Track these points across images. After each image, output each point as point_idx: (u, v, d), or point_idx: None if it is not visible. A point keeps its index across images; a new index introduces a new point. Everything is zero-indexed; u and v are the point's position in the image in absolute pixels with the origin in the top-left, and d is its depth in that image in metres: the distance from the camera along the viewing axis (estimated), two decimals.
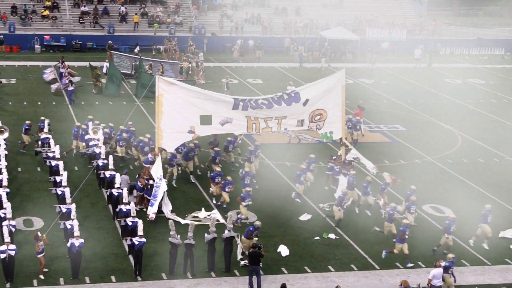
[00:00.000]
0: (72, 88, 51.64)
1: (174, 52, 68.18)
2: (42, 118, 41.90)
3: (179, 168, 37.50)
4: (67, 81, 52.79)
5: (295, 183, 35.88)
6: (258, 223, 29.65)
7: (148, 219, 30.81)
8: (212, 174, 35.26)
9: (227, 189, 33.92)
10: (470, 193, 37.59)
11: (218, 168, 35.49)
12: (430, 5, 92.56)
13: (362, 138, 44.13)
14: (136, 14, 75.64)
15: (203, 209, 33.79)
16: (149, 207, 32.17)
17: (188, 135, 35.44)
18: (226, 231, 28.72)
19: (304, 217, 33.56)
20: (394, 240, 29.84)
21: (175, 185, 36.26)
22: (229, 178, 34.12)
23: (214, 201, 34.63)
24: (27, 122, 41.16)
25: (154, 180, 33.05)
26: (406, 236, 29.31)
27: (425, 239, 31.81)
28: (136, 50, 67.51)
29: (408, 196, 33.26)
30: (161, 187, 32.70)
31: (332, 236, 31.78)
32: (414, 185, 34.25)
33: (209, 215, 32.77)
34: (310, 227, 32.53)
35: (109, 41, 69.33)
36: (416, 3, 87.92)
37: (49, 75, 56.94)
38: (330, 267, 29.08)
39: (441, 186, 37.96)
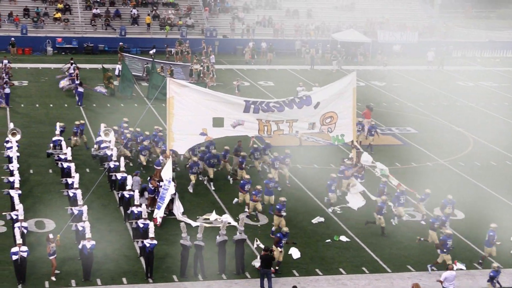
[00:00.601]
0: (81, 90, 51.73)
1: (186, 54, 68.27)
2: (81, 122, 41.90)
3: (205, 178, 37.27)
4: (77, 81, 53.00)
5: (327, 192, 35.02)
6: (285, 228, 29.12)
7: (155, 223, 30.59)
8: (241, 181, 34.77)
9: (254, 198, 33.31)
10: (482, 196, 37.46)
11: (247, 176, 34.91)
12: (442, 7, 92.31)
13: (374, 141, 43.92)
14: (148, 15, 75.80)
15: (214, 211, 33.79)
16: (156, 210, 32.19)
17: (200, 137, 35.45)
18: (237, 233, 28.71)
19: (317, 220, 33.49)
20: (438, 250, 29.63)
21: (191, 191, 36.06)
22: (258, 187, 33.46)
23: (247, 209, 33.88)
24: (76, 123, 41.34)
25: (168, 182, 32.99)
26: (447, 248, 28.83)
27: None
28: (151, 52, 67.51)
29: (445, 205, 32.90)
30: (169, 190, 32.67)
31: (343, 238, 31.73)
32: (428, 188, 34.15)
33: (219, 219, 32.76)
34: (322, 230, 32.48)
35: (120, 43, 69.50)
36: (427, 5, 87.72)
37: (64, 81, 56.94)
38: (341, 269, 29.03)
39: (452, 188, 37.80)
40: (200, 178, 37.57)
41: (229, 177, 37.69)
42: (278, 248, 28.47)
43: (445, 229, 30.63)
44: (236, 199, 34.87)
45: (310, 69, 68.08)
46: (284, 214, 31.64)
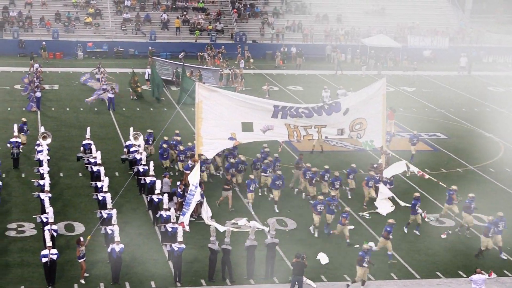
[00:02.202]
0: (112, 95, 51.93)
1: (217, 59, 68.40)
2: (150, 130, 41.46)
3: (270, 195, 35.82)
4: (105, 87, 53.15)
5: (411, 214, 33.35)
6: (366, 246, 27.89)
7: (183, 228, 30.41)
8: (314, 202, 32.93)
9: (343, 221, 31.59)
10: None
11: (321, 197, 32.95)
12: (472, 12, 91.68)
13: (403, 146, 43.71)
14: (177, 18, 76.11)
15: (245, 219, 33.70)
16: (181, 216, 32.18)
17: (229, 141, 35.46)
18: (269, 237, 28.67)
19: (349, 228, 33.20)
20: None
21: (252, 212, 34.79)
22: (347, 209, 32.06)
23: (316, 234, 32.43)
24: (149, 131, 41.16)
25: (195, 187, 32.99)
26: None
27: (466, 248, 31.52)
28: (180, 56, 67.82)
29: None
30: (195, 196, 32.64)
31: (372, 244, 31.54)
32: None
33: (248, 224, 32.69)
34: (350, 235, 32.28)
35: (150, 47, 69.87)
36: (458, 10, 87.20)
37: (95, 84, 56.98)
38: (370, 275, 28.83)
39: (482, 195, 37.50)
40: (266, 193, 36.41)
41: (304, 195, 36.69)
42: (365, 265, 27.54)
43: None
44: (312, 226, 32.93)
45: (339, 74, 67.67)
46: (391, 237, 30.24)
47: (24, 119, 42.78)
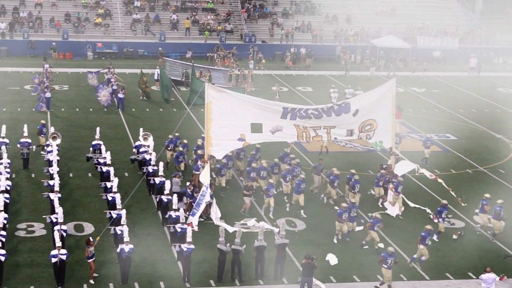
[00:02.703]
0: (122, 95, 51.95)
1: (227, 60, 68.44)
2: (172, 136, 40.41)
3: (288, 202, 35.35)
4: (115, 87, 53.14)
5: (436, 221, 32.94)
6: (391, 248, 27.87)
7: (192, 228, 30.35)
8: (339, 210, 32.13)
9: (376, 228, 31.14)
10: None
11: (344, 204, 32.25)
12: (483, 13, 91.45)
13: (413, 147, 43.64)
14: (187, 19, 76.17)
15: (254, 219, 33.67)
16: (190, 216, 32.22)
17: (238, 142, 35.44)
18: (279, 238, 28.67)
19: (358, 228, 33.11)
20: None
21: (272, 217, 34.31)
22: (378, 215, 31.71)
23: (335, 240, 31.89)
24: (170, 136, 40.31)
25: (206, 188, 32.97)
26: None
27: (475, 249, 31.45)
28: (188, 56, 67.84)
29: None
30: (205, 197, 32.67)
31: (381, 245, 31.49)
32: (465, 195, 33.77)
33: (257, 224, 32.66)
34: (359, 236, 32.26)
35: (159, 48, 69.98)
36: (468, 11, 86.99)
37: (92, 79, 56.98)
38: (379, 276, 28.78)
39: (492, 196, 37.33)
40: (286, 201, 35.86)
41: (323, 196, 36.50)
42: (384, 266, 27.52)
43: None
44: (336, 238, 32.41)
45: (345, 74, 67.59)
46: (429, 243, 29.76)
47: (43, 121, 42.89)
